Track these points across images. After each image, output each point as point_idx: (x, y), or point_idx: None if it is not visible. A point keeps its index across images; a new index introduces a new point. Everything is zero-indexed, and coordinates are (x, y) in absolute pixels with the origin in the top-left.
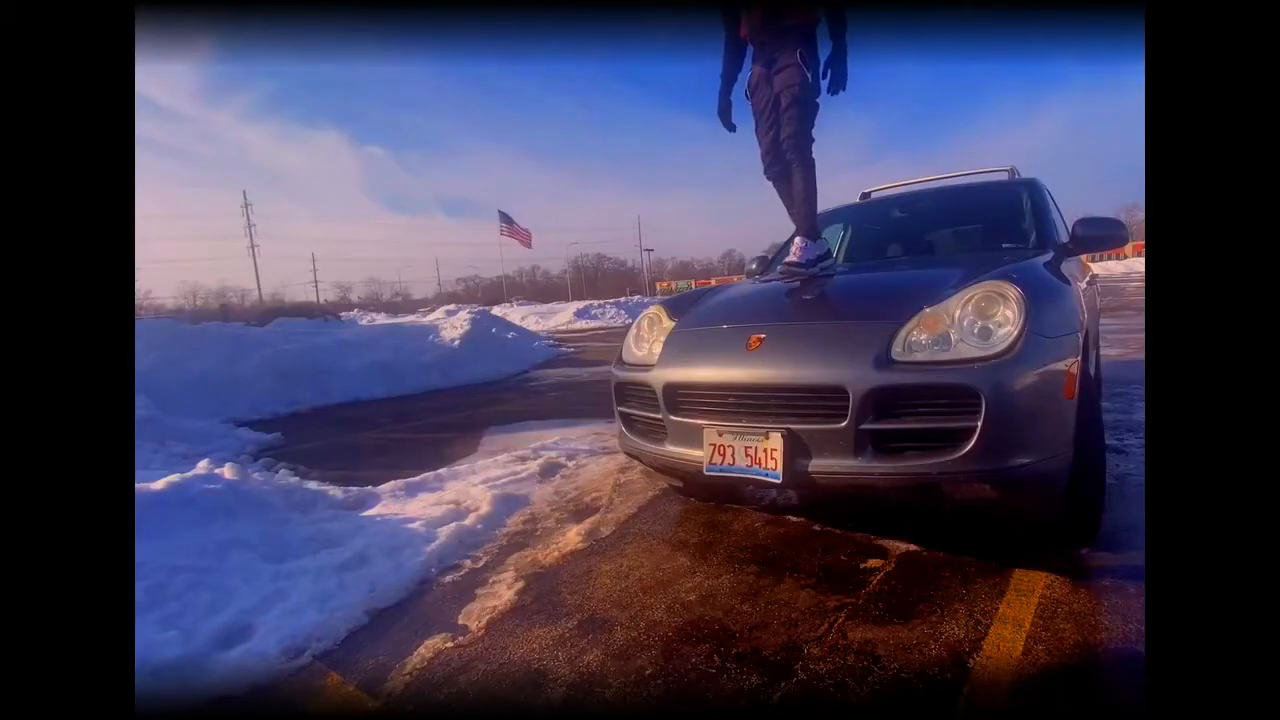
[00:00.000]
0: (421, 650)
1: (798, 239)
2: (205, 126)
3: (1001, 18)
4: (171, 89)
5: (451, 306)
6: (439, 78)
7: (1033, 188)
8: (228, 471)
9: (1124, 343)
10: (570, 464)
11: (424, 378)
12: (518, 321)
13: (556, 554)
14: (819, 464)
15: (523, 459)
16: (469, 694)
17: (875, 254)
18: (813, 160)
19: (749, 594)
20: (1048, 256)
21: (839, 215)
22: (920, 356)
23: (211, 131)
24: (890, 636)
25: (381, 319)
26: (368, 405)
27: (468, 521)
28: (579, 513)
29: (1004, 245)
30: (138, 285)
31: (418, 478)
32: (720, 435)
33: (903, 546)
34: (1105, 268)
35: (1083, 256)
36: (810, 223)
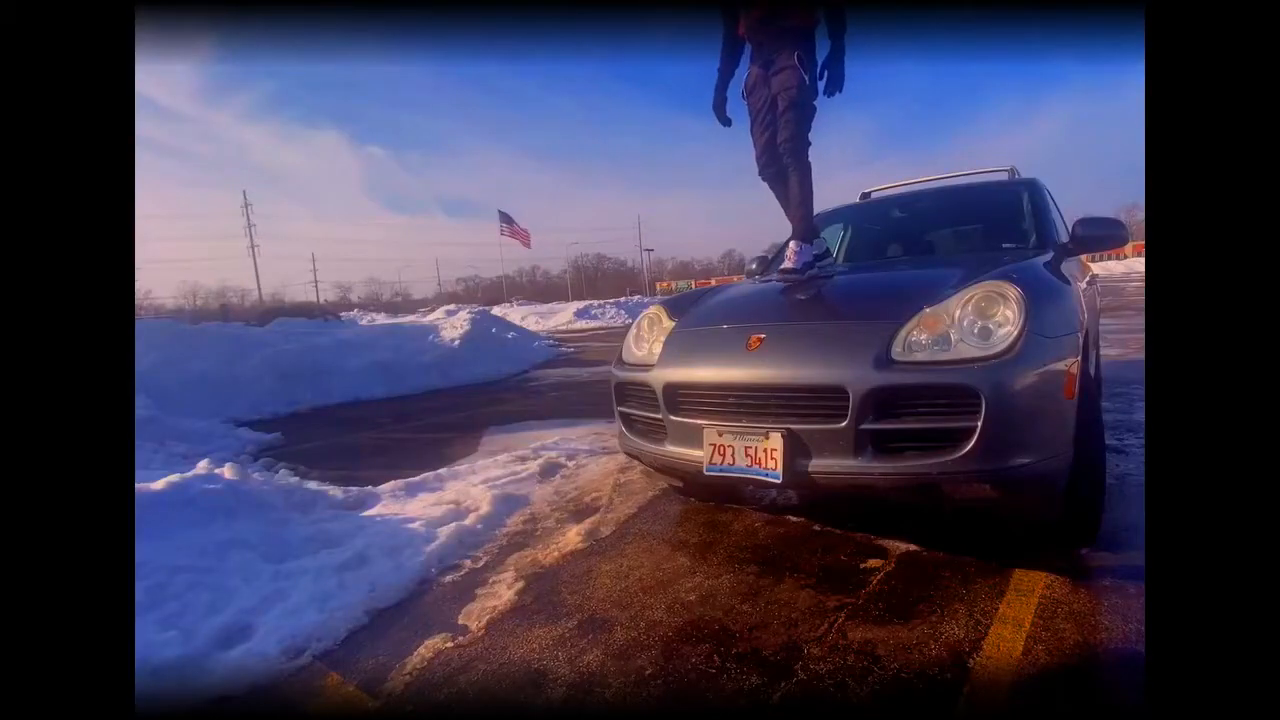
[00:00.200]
0: (421, 650)
1: (792, 243)
2: (205, 126)
3: (1001, 18)
4: (171, 89)
5: (451, 306)
6: (439, 78)
7: (1033, 188)
8: (228, 471)
9: (1124, 343)
10: (570, 464)
11: (424, 378)
12: (518, 321)
13: (556, 554)
14: (819, 464)
15: (523, 459)
16: (469, 694)
17: (875, 254)
18: (809, 163)
19: (749, 594)
20: (1048, 256)
21: (839, 215)
22: (920, 356)
23: (211, 131)
24: (890, 636)
25: (381, 319)
26: (368, 405)
27: (468, 521)
28: (579, 513)
29: (1004, 245)
30: (138, 285)
31: (418, 478)
32: (720, 435)
33: (903, 546)
34: (1105, 268)
35: (1083, 256)
36: (806, 225)
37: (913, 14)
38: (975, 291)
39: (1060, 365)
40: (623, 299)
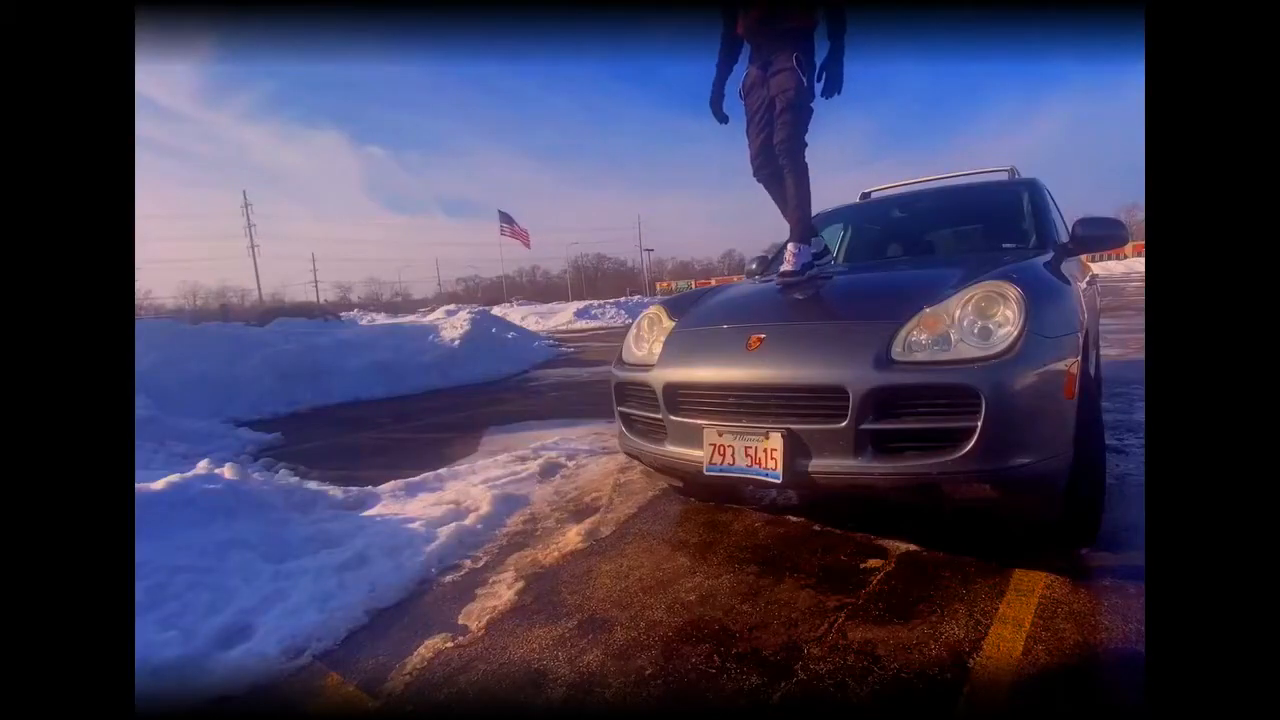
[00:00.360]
0: (421, 650)
1: (791, 245)
2: (205, 126)
3: (1001, 18)
4: (171, 89)
5: (451, 306)
6: (439, 78)
7: (1033, 188)
8: (228, 471)
9: (1124, 343)
10: (570, 464)
11: (424, 378)
12: (518, 321)
13: (556, 554)
14: (819, 464)
15: (523, 459)
16: (469, 694)
17: (875, 254)
18: (805, 164)
19: (749, 594)
20: (1048, 256)
21: (839, 215)
22: (920, 356)
23: (211, 131)
24: (890, 636)
25: (381, 319)
26: (368, 405)
27: (468, 521)
28: (579, 513)
29: (1004, 245)
30: (138, 285)
31: (418, 478)
32: (720, 435)
33: (903, 546)
34: (1105, 268)
35: (1083, 256)
36: (804, 226)
37: (913, 14)
38: (975, 291)
39: (1060, 365)
40: (623, 299)
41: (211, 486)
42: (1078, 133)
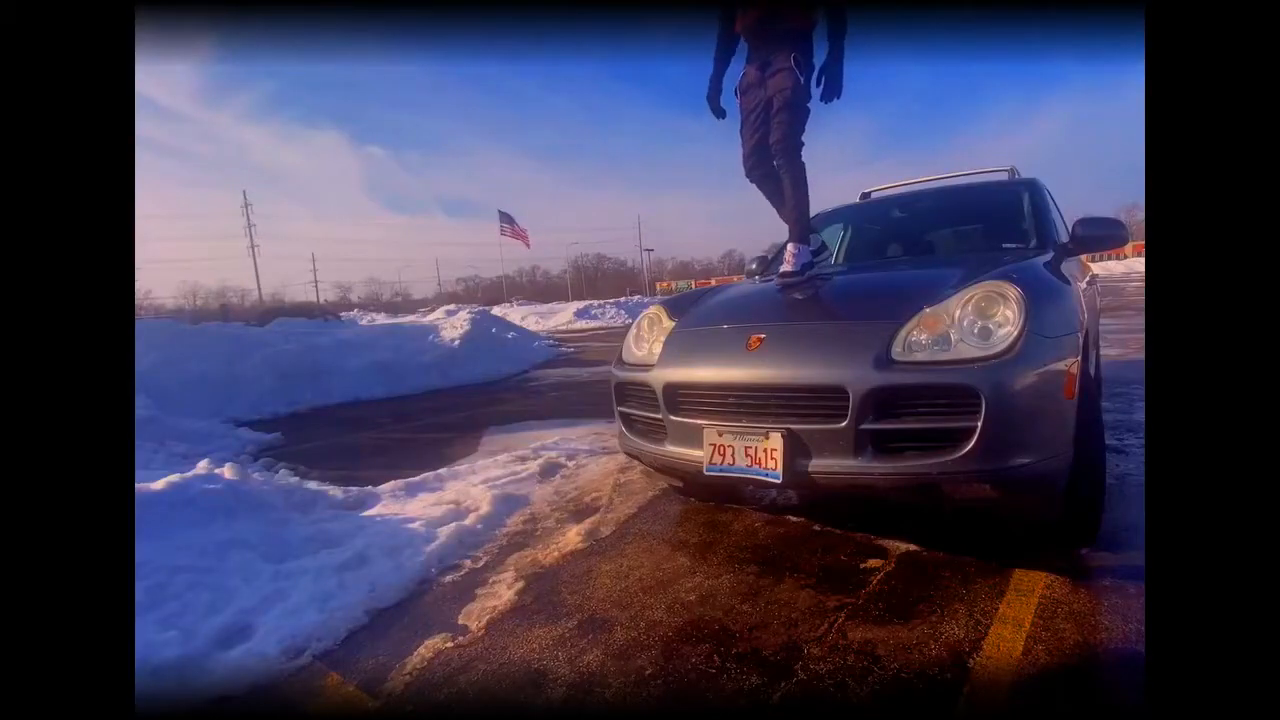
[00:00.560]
0: (421, 650)
1: (790, 246)
2: (205, 126)
3: (1001, 18)
4: (171, 89)
5: (451, 306)
6: (439, 78)
7: (1033, 188)
8: (228, 471)
9: (1124, 343)
10: (570, 464)
11: (424, 378)
12: (518, 321)
13: (556, 554)
14: (819, 464)
15: (523, 459)
16: (469, 694)
17: (875, 254)
18: (802, 164)
19: (749, 594)
20: (1048, 256)
21: (839, 215)
22: (920, 356)
23: (211, 132)
24: (890, 636)
25: (381, 319)
26: (368, 405)
27: (468, 521)
28: (579, 513)
29: (1004, 245)
30: (138, 285)
31: (418, 478)
32: (720, 435)
33: (903, 546)
34: (1105, 268)
35: (1083, 256)
36: (802, 227)
37: (913, 14)
38: (975, 291)
39: (1060, 365)
40: (623, 299)
41: (211, 486)
42: (1078, 133)
